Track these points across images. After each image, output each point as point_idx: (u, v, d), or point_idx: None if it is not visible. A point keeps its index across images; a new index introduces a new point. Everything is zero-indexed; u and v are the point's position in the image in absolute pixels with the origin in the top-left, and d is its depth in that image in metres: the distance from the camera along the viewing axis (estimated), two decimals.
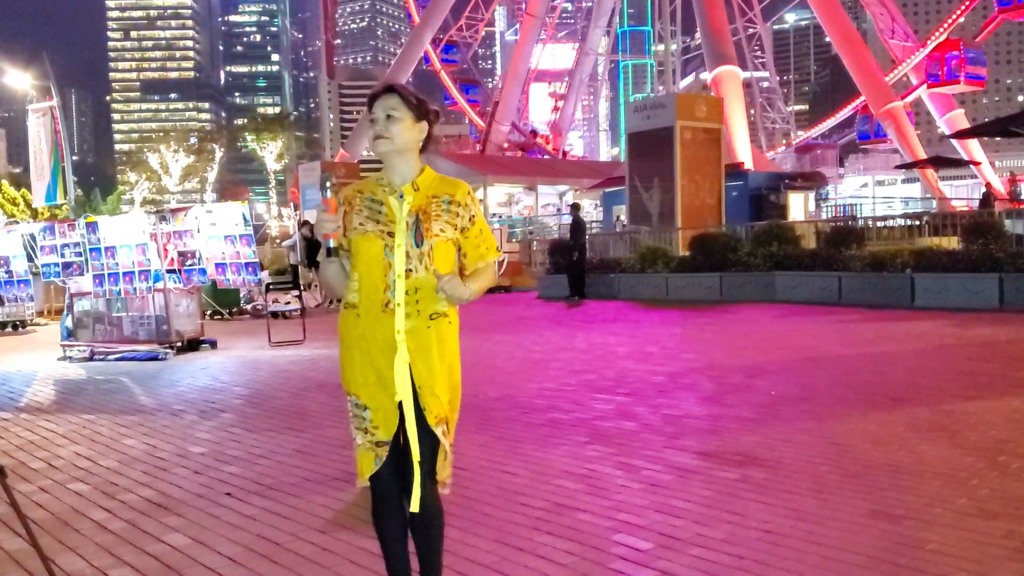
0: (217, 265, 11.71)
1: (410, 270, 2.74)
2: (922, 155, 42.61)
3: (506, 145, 57.00)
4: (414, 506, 2.77)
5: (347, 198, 2.86)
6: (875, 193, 46.52)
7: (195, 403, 7.92)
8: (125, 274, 11.64)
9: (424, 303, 2.76)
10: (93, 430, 6.89)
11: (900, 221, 24.71)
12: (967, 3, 47.09)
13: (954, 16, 47.99)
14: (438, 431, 2.76)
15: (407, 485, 2.80)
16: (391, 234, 2.75)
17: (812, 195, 29.84)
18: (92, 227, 11.86)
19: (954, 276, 12.82)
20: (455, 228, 2.83)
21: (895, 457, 4.98)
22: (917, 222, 24.93)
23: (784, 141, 60.61)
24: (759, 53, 58.07)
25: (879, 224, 25.58)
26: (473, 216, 2.88)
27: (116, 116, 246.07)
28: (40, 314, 18.53)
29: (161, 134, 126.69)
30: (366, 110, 2.94)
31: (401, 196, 2.80)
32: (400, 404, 2.76)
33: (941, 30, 46.31)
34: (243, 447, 6.04)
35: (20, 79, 23.35)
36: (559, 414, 6.59)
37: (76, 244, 12.00)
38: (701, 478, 4.73)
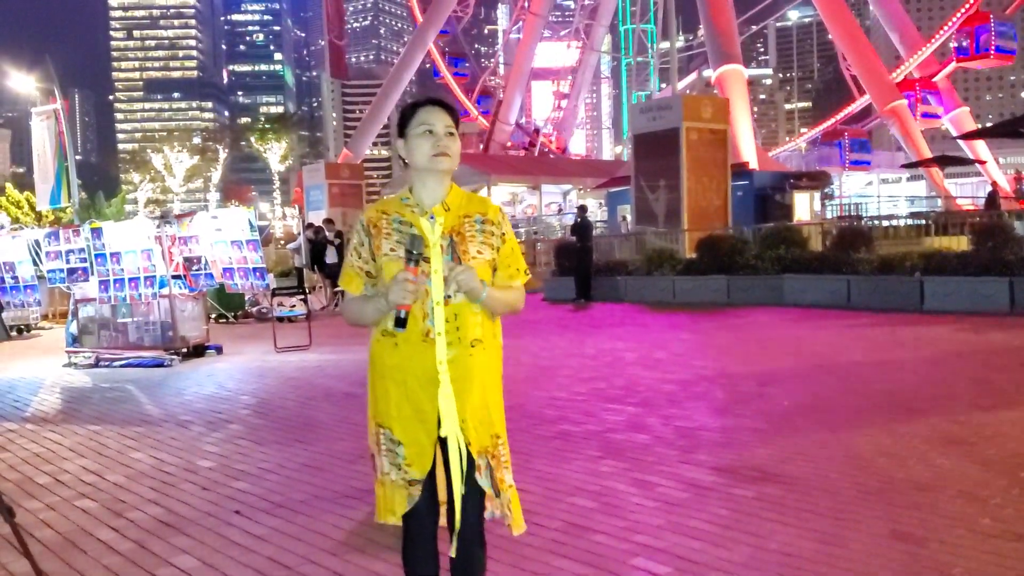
0: (224, 270, 11.66)
1: (448, 296, 2.59)
2: (927, 154, 42.38)
3: (509, 144, 56.88)
4: (454, 551, 2.63)
5: (371, 220, 2.67)
6: (880, 191, 46.23)
7: (202, 413, 7.86)
8: (131, 280, 11.59)
9: (464, 330, 2.62)
10: (99, 442, 6.83)
11: (906, 221, 24.63)
12: None
13: None
14: (481, 462, 2.63)
15: (446, 519, 2.68)
16: (426, 259, 2.58)
17: (817, 195, 29.74)
18: (97, 233, 11.81)
19: (964, 279, 12.71)
20: (492, 248, 2.68)
21: (913, 472, 4.90)
22: (923, 221, 24.83)
23: (787, 138, 60.40)
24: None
25: (884, 223, 25.53)
26: (504, 235, 2.72)
27: (119, 116, 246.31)
28: (45, 317, 18.50)
29: (164, 134, 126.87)
30: (406, 117, 2.71)
31: (432, 217, 2.65)
32: (437, 440, 2.64)
33: (968, 4, 45.85)
34: (251, 461, 5.98)
35: (24, 82, 23.31)
36: (570, 425, 6.52)
37: (81, 250, 11.95)
38: (717, 496, 4.66)
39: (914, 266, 13.40)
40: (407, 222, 2.65)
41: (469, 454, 2.63)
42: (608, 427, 6.41)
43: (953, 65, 46.56)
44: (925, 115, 45.72)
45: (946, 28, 47.15)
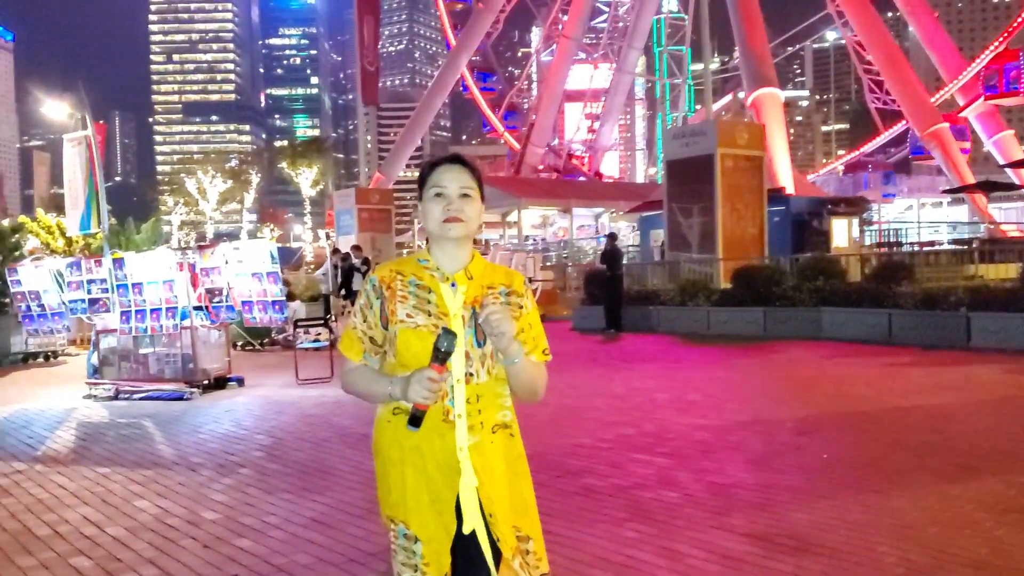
0: (244, 303, 11.46)
1: (470, 374, 2.31)
2: (970, 179, 41.60)
3: (541, 167, 56.71)
4: None
5: (385, 281, 2.41)
6: (920, 217, 45.38)
7: (214, 455, 7.59)
8: (152, 311, 11.42)
9: (487, 412, 2.34)
10: (105, 487, 6.58)
11: (950, 247, 23.99)
12: None
13: (1013, 26, 46.97)
14: (515, 564, 2.32)
15: None
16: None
17: (856, 221, 29.09)
18: (119, 263, 11.67)
19: (1015, 316, 12.13)
20: (517, 323, 2.38)
21: (970, 546, 4.47)
22: (965, 247, 24.15)
23: (824, 161, 59.90)
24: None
25: (925, 250, 24.87)
26: (523, 307, 2.43)
27: (158, 138, 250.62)
28: (72, 343, 18.46)
29: (201, 156, 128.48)
30: (425, 178, 2.44)
31: (454, 285, 2.37)
32: (457, 537, 2.33)
33: (998, 42, 45.30)
34: (257, 513, 5.68)
35: (58, 108, 23.53)
36: (595, 479, 6.15)
37: (103, 280, 11.82)
38: (751, 569, 4.27)
39: (960, 300, 12.85)
40: (425, 286, 2.38)
41: (498, 553, 2.31)
42: (636, 482, 6.02)
43: (981, 102, 45.94)
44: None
45: (977, 60, 46.54)
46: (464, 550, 2.32)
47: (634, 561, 4.46)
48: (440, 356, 2.20)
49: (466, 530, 2.30)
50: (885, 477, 5.90)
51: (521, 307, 2.42)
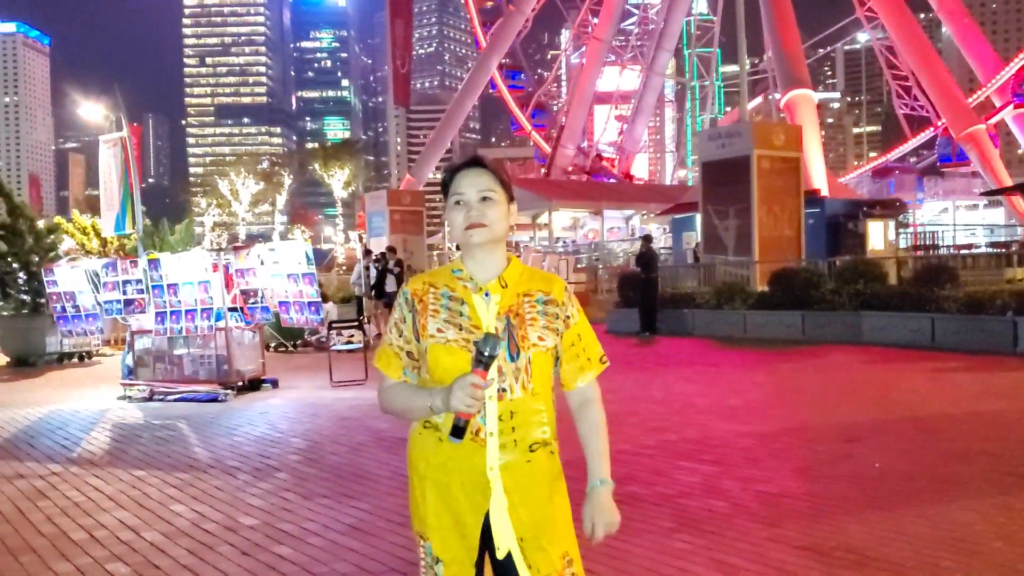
0: (280, 303, 11.42)
1: (503, 390, 2.18)
2: (1007, 181, 40.87)
3: (571, 168, 56.48)
4: None
5: (417, 294, 2.29)
6: (956, 219, 44.63)
7: (250, 458, 7.51)
8: (187, 312, 11.40)
9: (522, 430, 2.20)
10: (142, 491, 6.51)
11: (987, 250, 23.52)
12: None
13: None
14: None
15: None
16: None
17: (892, 224, 28.63)
18: (154, 264, 11.67)
19: None
20: (555, 334, 2.27)
21: None
22: (1004, 250, 23.69)
23: (856, 163, 59.41)
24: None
25: (963, 253, 24.41)
26: (569, 317, 2.30)
27: (191, 140, 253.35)
28: (107, 343, 18.55)
29: (233, 158, 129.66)
30: (447, 184, 2.33)
31: (487, 295, 2.24)
32: (480, 562, 2.21)
33: None
34: (296, 519, 5.58)
35: (93, 110, 23.74)
36: (638, 487, 5.98)
37: (138, 281, 11.83)
38: None
39: (1006, 305, 12.53)
40: (458, 298, 2.25)
41: None
42: (681, 490, 5.86)
43: (1010, 110, 45.36)
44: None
45: (1012, 63, 45.87)
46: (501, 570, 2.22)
47: (686, 574, 4.31)
48: (484, 361, 2.08)
49: (500, 555, 2.19)
50: (940, 487, 5.69)
51: (567, 317, 2.31)
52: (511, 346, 2.19)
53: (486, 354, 2.07)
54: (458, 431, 2.10)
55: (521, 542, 2.18)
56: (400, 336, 2.30)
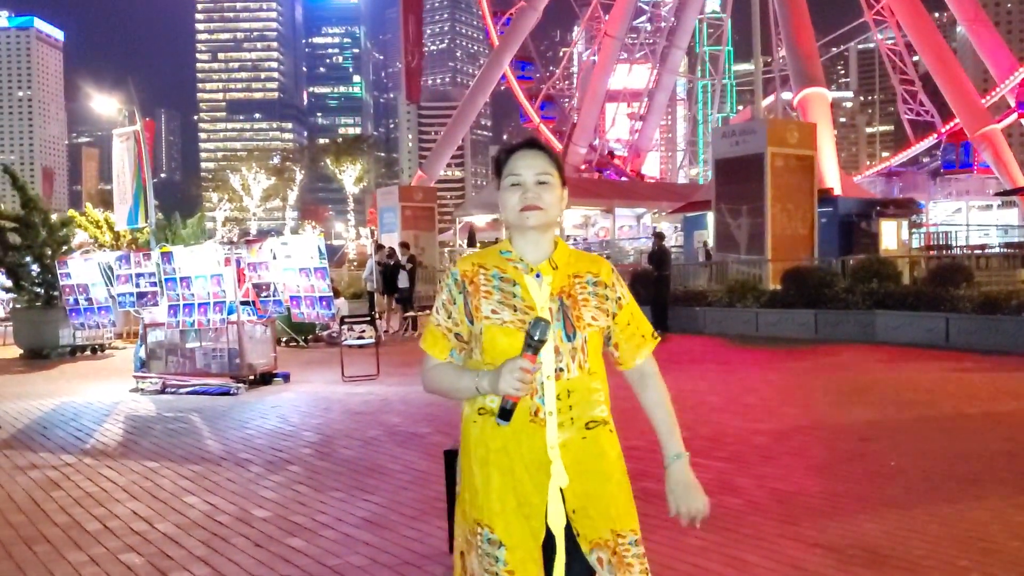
0: (292, 298, 11.42)
1: (560, 369, 2.18)
2: (1022, 181, 40.60)
3: (583, 167, 56.38)
4: None
5: (467, 275, 2.28)
6: (969, 220, 44.34)
7: (262, 451, 7.52)
8: (200, 305, 11.43)
9: (578, 409, 2.21)
10: (155, 482, 6.53)
11: (1001, 250, 23.37)
12: None
13: None
14: (597, 556, 2.19)
15: None
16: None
17: (905, 223, 28.49)
18: (167, 257, 11.69)
19: None
20: (606, 315, 2.29)
21: None
22: (1018, 251, 23.54)
23: (868, 163, 59.22)
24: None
25: (976, 253, 24.26)
26: (620, 299, 2.33)
27: (202, 135, 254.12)
28: (119, 336, 18.63)
29: (245, 154, 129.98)
30: (500, 164, 2.32)
31: (539, 276, 2.25)
32: (545, 544, 2.20)
33: None
34: (308, 512, 5.58)
35: (106, 104, 23.82)
36: (651, 483, 5.93)
37: (151, 274, 11.86)
38: None
39: (1021, 304, 12.45)
40: (509, 279, 2.25)
41: (581, 556, 2.19)
42: None
43: (1014, 118, 45.23)
44: (983, 164, 44.29)
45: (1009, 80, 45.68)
46: (550, 553, 2.21)
47: (701, 571, 4.29)
48: (533, 345, 2.07)
49: (556, 531, 2.19)
50: (957, 486, 5.65)
51: (619, 299, 2.33)
52: (567, 326, 2.20)
53: (536, 338, 2.07)
54: (505, 413, 2.11)
55: (573, 514, 2.19)
56: (448, 317, 2.30)
